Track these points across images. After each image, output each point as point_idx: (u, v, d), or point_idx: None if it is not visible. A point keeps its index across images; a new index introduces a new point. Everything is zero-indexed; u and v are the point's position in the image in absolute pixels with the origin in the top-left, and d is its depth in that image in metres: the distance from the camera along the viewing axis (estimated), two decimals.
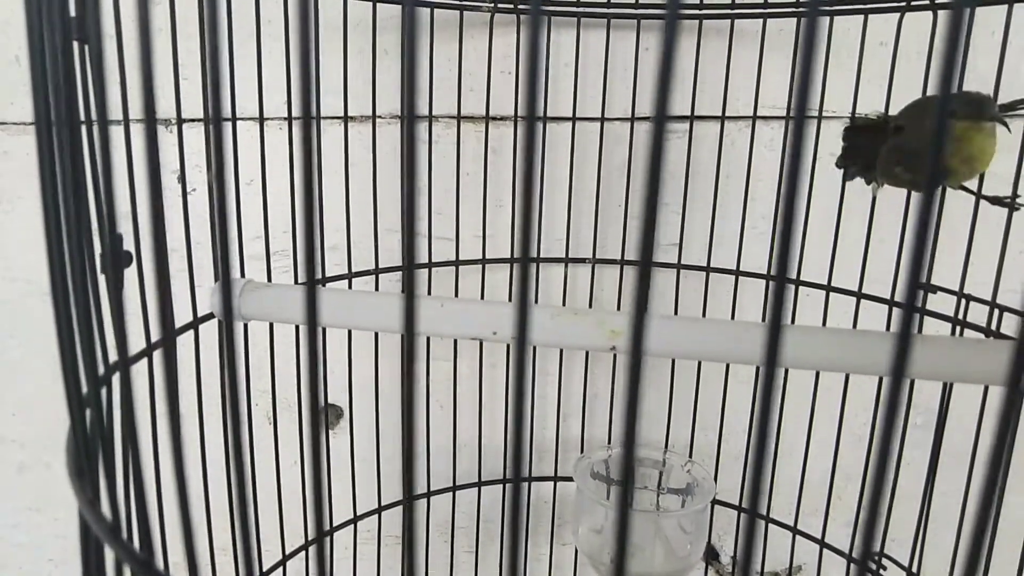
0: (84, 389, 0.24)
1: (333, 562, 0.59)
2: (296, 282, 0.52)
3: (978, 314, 0.46)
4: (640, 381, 0.14)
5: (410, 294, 0.16)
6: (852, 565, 0.54)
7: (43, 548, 0.64)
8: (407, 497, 0.15)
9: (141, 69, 0.16)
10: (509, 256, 0.57)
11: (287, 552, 0.53)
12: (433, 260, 0.56)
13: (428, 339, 0.58)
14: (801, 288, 0.53)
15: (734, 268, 0.55)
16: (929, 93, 0.48)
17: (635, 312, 0.14)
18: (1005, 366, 0.13)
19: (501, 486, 0.61)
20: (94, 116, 0.29)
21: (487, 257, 0.57)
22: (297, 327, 0.52)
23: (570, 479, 0.56)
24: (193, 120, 0.51)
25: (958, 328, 0.46)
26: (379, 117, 0.53)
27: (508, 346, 0.58)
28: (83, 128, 0.25)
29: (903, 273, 0.49)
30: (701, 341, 0.38)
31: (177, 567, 0.25)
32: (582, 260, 0.58)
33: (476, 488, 0.61)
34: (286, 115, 0.53)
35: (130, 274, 0.31)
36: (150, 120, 0.18)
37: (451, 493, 0.60)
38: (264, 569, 0.52)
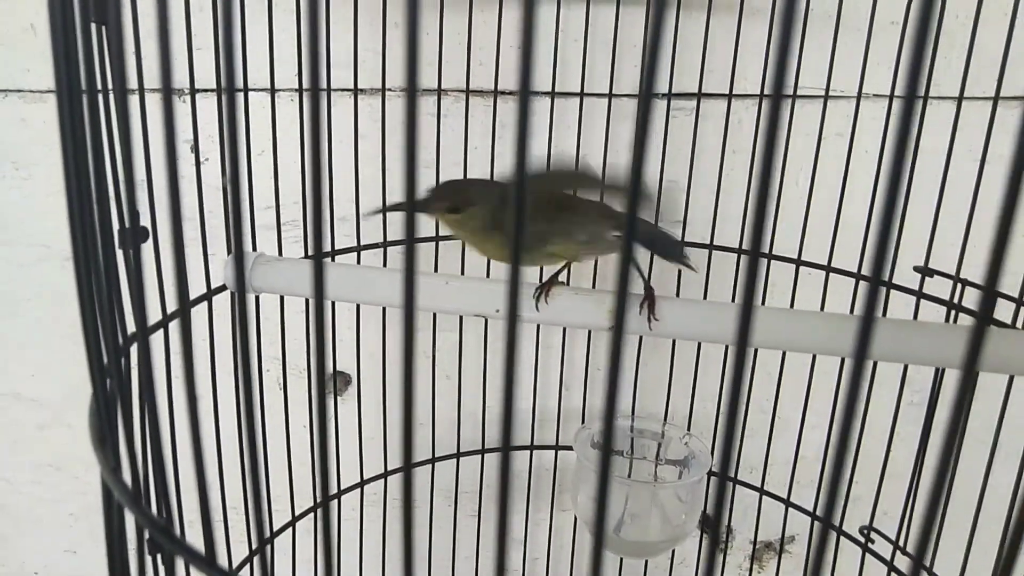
0: (105, 360, 0.26)
1: (341, 524, 0.61)
2: (306, 253, 0.53)
3: (975, 298, 0.47)
4: (620, 363, 0.15)
5: (410, 273, 0.17)
6: (841, 536, 0.55)
7: (63, 503, 0.67)
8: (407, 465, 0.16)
9: (158, 36, 0.17)
10: None
11: (296, 514, 0.55)
12: (440, 234, 0.56)
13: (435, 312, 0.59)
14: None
15: (736, 246, 0.56)
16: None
17: (618, 296, 0.15)
18: (961, 350, 0.14)
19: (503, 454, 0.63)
20: (110, 86, 0.30)
21: None
22: (307, 299, 0.53)
23: (570, 448, 0.58)
24: (206, 90, 0.52)
25: (953, 312, 0.46)
26: (389, 90, 0.54)
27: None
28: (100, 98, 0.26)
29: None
30: (703, 324, 0.39)
31: (191, 524, 0.27)
32: None
33: (480, 455, 0.62)
34: (297, 87, 0.54)
35: (146, 246, 0.32)
36: (166, 89, 0.19)
37: (455, 460, 0.62)
38: (275, 529, 0.54)
